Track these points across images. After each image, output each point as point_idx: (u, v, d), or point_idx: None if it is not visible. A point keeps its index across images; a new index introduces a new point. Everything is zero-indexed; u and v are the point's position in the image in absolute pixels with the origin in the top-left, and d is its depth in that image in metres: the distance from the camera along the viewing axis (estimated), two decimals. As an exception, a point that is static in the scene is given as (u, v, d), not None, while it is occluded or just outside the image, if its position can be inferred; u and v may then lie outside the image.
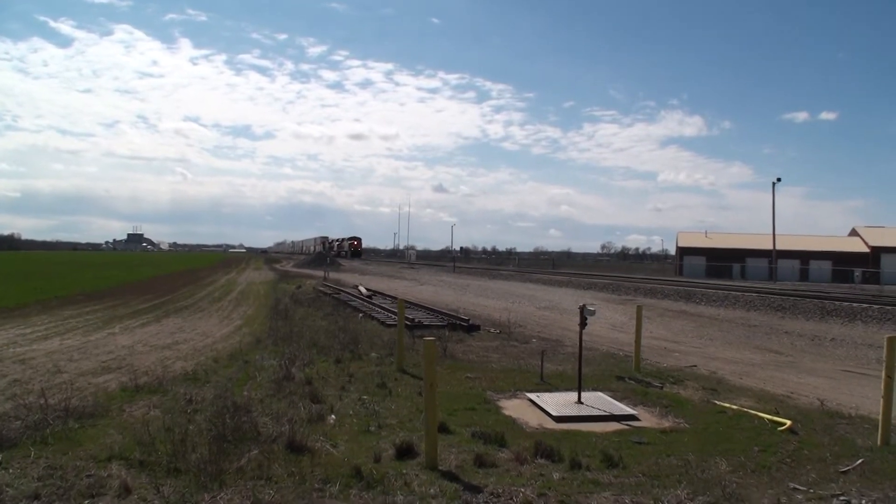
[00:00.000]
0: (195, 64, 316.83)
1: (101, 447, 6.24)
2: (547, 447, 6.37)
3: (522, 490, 5.40)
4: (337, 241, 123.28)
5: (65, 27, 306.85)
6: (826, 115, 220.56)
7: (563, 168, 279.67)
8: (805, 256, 66.90)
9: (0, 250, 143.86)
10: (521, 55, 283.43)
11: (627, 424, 7.80)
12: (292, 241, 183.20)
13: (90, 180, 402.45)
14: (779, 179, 50.38)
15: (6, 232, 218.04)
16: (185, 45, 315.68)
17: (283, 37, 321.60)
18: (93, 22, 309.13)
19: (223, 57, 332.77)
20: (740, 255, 69.21)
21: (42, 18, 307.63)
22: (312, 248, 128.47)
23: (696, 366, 12.71)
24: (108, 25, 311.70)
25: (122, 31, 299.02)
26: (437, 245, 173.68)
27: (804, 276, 64.03)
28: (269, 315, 19.73)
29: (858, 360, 14.86)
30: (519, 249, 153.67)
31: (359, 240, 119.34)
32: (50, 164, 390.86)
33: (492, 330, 17.07)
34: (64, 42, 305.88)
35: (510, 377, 10.55)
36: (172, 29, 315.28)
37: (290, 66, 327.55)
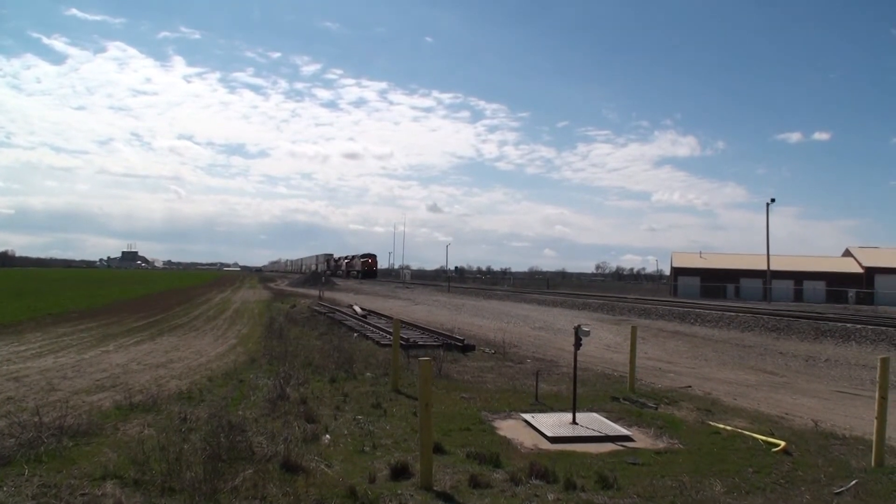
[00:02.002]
0: (189, 82, 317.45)
1: (96, 466, 6.21)
2: (542, 468, 6.37)
3: (517, 511, 5.40)
4: (346, 258, 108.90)
5: (58, 44, 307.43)
6: (819, 136, 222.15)
7: (557, 188, 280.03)
8: (799, 277, 67.08)
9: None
10: (515, 75, 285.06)
11: (622, 445, 7.81)
12: (290, 260, 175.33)
13: (84, 198, 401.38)
14: (773, 200, 50.33)
15: (0, 249, 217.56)
16: (178, 62, 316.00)
17: (276, 55, 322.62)
18: (86, 39, 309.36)
19: (217, 75, 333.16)
20: (735, 275, 69.37)
21: (35, 35, 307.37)
22: (314, 268, 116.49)
23: (690, 386, 12.73)
24: (101, 43, 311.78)
25: (115, 48, 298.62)
26: (431, 264, 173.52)
27: (798, 296, 64.19)
28: (264, 334, 19.69)
29: (852, 380, 14.91)
30: (514, 269, 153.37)
31: (373, 257, 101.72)
32: (43, 181, 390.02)
33: (487, 350, 17.07)
34: (57, 59, 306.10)
35: (505, 397, 10.55)
36: (166, 47, 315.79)
37: (283, 84, 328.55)
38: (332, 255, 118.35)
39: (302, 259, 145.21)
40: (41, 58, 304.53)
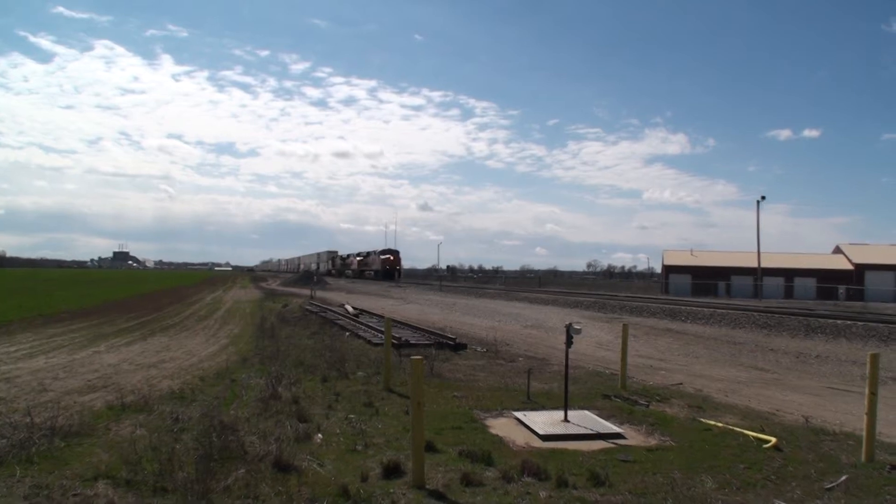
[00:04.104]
0: (177, 80, 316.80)
1: (88, 466, 6.20)
2: (534, 466, 6.39)
3: (510, 508, 5.41)
4: (358, 255, 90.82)
5: (45, 42, 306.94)
6: (809, 133, 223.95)
7: (548, 186, 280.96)
8: (790, 274, 67.49)
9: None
10: (506, 73, 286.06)
11: (614, 443, 7.84)
12: (285, 259, 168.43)
13: (74, 197, 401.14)
14: (763, 197, 50.36)
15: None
16: (166, 61, 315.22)
17: (265, 53, 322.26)
18: (72, 37, 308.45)
19: (205, 73, 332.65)
20: (725, 272, 69.69)
21: (21, 33, 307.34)
22: (316, 267, 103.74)
23: (681, 384, 12.78)
24: (88, 41, 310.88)
25: (102, 46, 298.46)
26: (423, 263, 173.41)
27: (789, 293, 64.62)
28: (256, 334, 19.65)
29: (843, 376, 15.00)
30: (505, 268, 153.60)
31: (396, 254, 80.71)
32: (33, 180, 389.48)
33: (478, 349, 17.08)
34: (44, 57, 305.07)
35: (497, 396, 10.56)
36: (153, 45, 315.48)
37: (273, 82, 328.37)
38: (336, 252, 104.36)
39: (300, 257, 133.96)
40: (28, 56, 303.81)
